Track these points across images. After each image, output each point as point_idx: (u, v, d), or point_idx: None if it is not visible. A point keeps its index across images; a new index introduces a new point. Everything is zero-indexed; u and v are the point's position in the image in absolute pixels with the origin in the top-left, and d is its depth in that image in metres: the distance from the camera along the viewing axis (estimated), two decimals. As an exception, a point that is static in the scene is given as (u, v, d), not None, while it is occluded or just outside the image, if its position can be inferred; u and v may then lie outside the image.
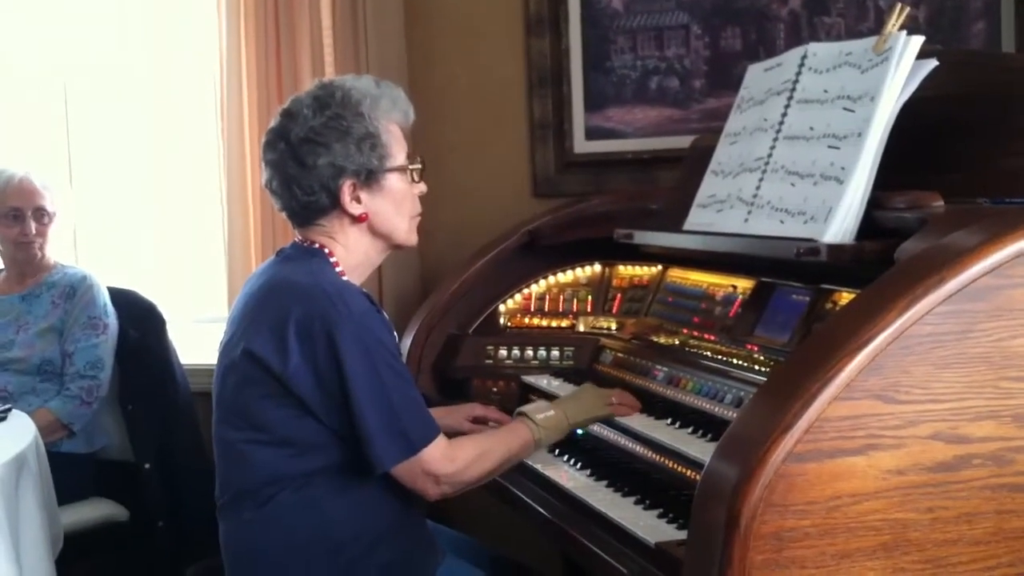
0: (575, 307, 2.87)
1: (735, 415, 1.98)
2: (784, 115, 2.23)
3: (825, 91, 2.14)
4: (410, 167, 2.12)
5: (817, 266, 1.99)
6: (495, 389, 2.77)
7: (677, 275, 2.66)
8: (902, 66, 1.97)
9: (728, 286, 2.42)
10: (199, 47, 3.74)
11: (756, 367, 2.17)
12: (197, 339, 3.74)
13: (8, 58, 4.04)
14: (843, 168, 1.99)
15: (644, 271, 2.80)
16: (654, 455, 2.16)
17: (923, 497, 1.47)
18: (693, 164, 2.62)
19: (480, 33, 3.43)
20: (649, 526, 1.86)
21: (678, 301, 2.60)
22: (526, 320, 2.90)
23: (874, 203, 1.94)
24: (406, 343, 2.82)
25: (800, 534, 1.42)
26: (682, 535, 1.75)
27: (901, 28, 2.01)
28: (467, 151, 3.45)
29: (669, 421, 2.19)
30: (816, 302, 2.10)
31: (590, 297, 2.87)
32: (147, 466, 3.28)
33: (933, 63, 1.99)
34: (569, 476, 2.20)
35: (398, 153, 2.09)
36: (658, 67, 3.27)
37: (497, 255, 2.88)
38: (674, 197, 2.66)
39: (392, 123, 2.09)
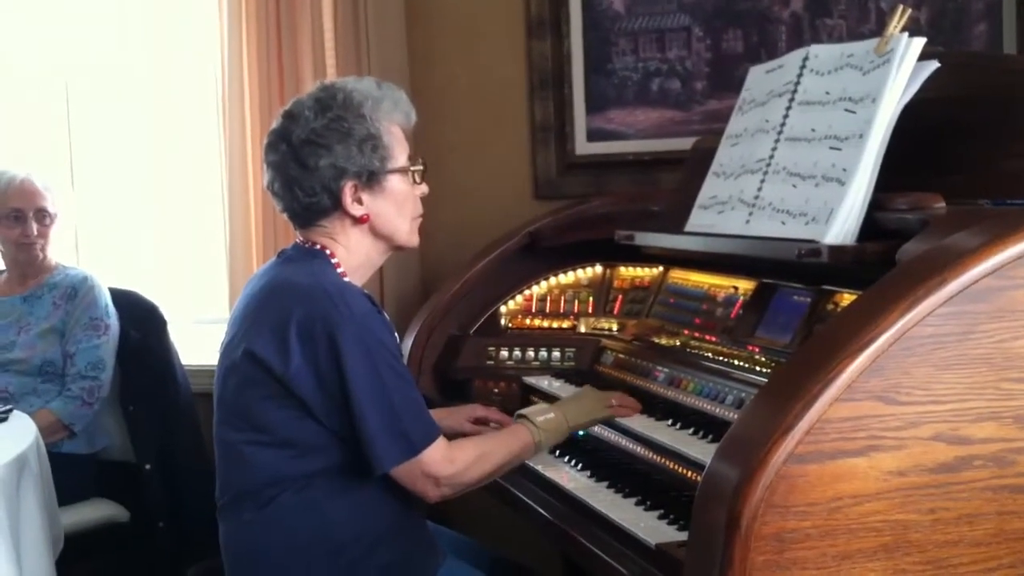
0: (576, 308, 2.87)
1: (736, 416, 1.97)
2: (786, 116, 2.23)
3: (827, 93, 2.14)
4: (411, 168, 2.12)
5: (818, 267, 2.00)
6: (496, 390, 2.77)
7: (678, 276, 2.66)
8: (904, 68, 1.97)
9: (729, 287, 2.42)
10: (200, 47, 3.75)
11: (757, 368, 2.17)
12: (198, 340, 3.74)
13: (9, 58, 4.04)
14: (845, 169, 1.99)
15: (645, 272, 2.80)
16: (655, 456, 2.16)
17: (924, 498, 1.47)
18: (694, 166, 2.62)
19: (481, 34, 3.44)
20: (650, 527, 1.86)
21: (679, 302, 2.60)
22: (527, 321, 2.90)
23: (875, 204, 1.94)
24: (407, 344, 2.82)
25: (801, 535, 1.42)
26: (683, 536, 1.75)
27: (903, 30, 2.01)
28: (468, 152, 3.45)
29: (670, 422, 2.19)
30: (817, 303, 2.10)
31: (591, 298, 2.87)
32: (148, 467, 3.28)
33: (935, 65, 1.99)
34: (570, 477, 2.20)
35: (399, 154, 2.09)
36: (659, 69, 3.28)
37: (498, 256, 2.88)
38: (675, 199, 2.66)
39: (394, 125, 2.10)
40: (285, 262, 2.09)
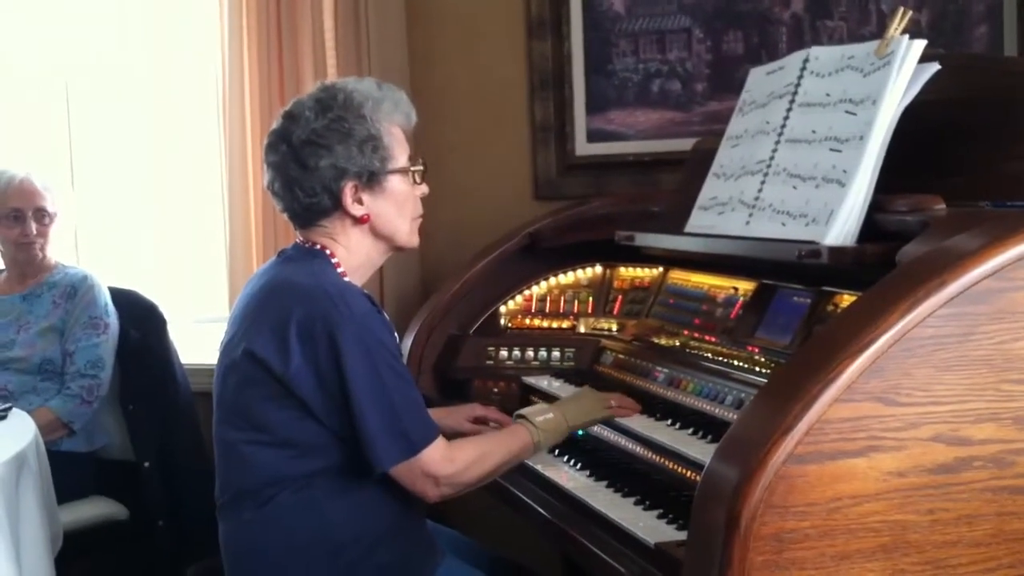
0: (576, 308, 2.87)
1: (736, 416, 1.98)
2: (786, 118, 2.23)
3: (827, 94, 2.14)
4: (412, 169, 2.12)
5: (818, 268, 2.00)
6: (496, 390, 2.77)
7: (678, 277, 2.67)
8: (904, 70, 1.98)
9: (729, 288, 2.43)
10: (200, 47, 3.75)
11: (757, 369, 2.17)
12: (198, 339, 3.75)
13: (9, 58, 4.03)
14: (845, 171, 1.99)
15: (645, 273, 2.80)
16: (654, 456, 2.16)
17: (923, 499, 1.47)
18: (695, 167, 2.63)
19: (481, 35, 3.44)
20: (649, 527, 1.86)
21: (679, 303, 2.60)
22: (527, 321, 2.90)
23: (876, 206, 1.95)
24: (407, 344, 2.82)
25: (800, 535, 1.42)
26: (682, 536, 1.75)
27: (903, 32, 2.01)
28: (468, 153, 3.46)
29: (669, 422, 2.19)
30: (817, 304, 2.10)
31: (591, 298, 2.87)
32: (147, 465, 3.28)
33: (935, 67, 2.00)
34: (569, 477, 2.20)
35: (400, 155, 2.09)
36: (660, 70, 3.28)
37: (498, 256, 2.88)
38: (675, 199, 2.66)
39: (394, 125, 2.10)
40: (285, 262, 2.09)
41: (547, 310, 2.89)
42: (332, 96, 2.06)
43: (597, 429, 2.32)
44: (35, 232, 3.28)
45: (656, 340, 2.57)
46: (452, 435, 2.15)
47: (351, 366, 1.90)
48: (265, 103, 3.40)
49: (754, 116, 2.36)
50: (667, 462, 2.11)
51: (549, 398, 2.50)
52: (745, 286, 2.37)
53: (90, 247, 4.04)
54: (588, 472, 2.20)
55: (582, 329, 2.85)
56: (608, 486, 2.10)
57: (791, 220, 2.08)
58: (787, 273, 2.21)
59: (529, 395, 2.71)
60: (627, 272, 2.84)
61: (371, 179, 2.05)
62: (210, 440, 2.13)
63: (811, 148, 2.12)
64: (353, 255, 2.09)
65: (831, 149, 2.05)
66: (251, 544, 2.03)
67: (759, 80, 2.42)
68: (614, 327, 2.78)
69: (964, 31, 3.00)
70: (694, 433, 2.11)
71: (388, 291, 3.37)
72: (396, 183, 2.09)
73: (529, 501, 2.20)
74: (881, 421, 1.45)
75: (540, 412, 2.18)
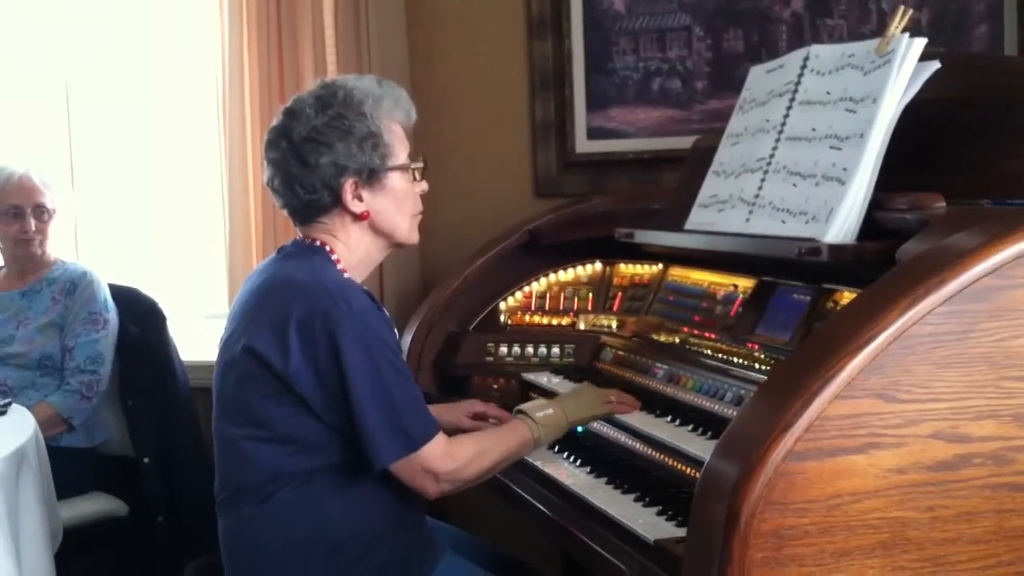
0: (576, 305, 2.87)
1: (735, 413, 1.98)
2: (786, 116, 2.23)
3: (827, 93, 2.14)
4: (412, 166, 2.12)
5: (818, 266, 2.00)
6: (495, 386, 2.77)
7: (678, 274, 2.67)
8: (904, 68, 1.98)
9: (729, 285, 2.43)
10: (200, 46, 3.74)
11: (757, 366, 2.17)
12: (198, 335, 3.75)
13: (9, 58, 4.03)
14: (845, 169, 1.99)
15: (645, 270, 2.80)
16: (654, 453, 2.16)
17: (923, 496, 1.47)
18: (695, 164, 2.63)
19: (481, 34, 3.44)
20: (649, 523, 1.86)
21: (679, 300, 2.60)
22: (527, 318, 2.90)
23: (876, 204, 1.95)
24: (407, 340, 2.82)
25: (800, 532, 1.42)
26: (682, 532, 1.75)
27: (904, 30, 2.01)
28: (468, 151, 3.46)
29: (669, 419, 2.20)
30: (817, 301, 2.10)
31: (591, 295, 2.87)
32: (146, 461, 3.28)
33: (935, 65, 2.00)
34: (569, 473, 2.21)
35: (400, 152, 2.10)
36: (660, 68, 3.28)
37: (498, 253, 2.88)
38: (675, 197, 2.67)
39: (394, 122, 2.10)
40: (285, 258, 2.09)
41: (547, 307, 2.90)
42: (332, 93, 2.06)
43: (597, 425, 2.33)
44: (34, 228, 3.29)
45: (656, 337, 2.58)
46: (452, 431, 2.14)
47: (351, 362, 1.90)
48: (265, 102, 3.40)
49: (754, 114, 2.36)
50: (667, 459, 2.12)
51: (549, 394, 2.50)
52: (745, 283, 2.37)
53: (90, 245, 4.04)
54: (588, 469, 2.20)
55: (582, 326, 2.85)
56: (608, 483, 2.11)
57: (791, 217, 2.09)
58: (787, 270, 2.22)
59: (529, 391, 2.71)
60: (627, 269, 2.84)
61: (371, 176, 2.05)
62: (209, 436, 2.13)
63: (811, 146, 2.12)
64: (353, 252, 2.10)
65: (831, 147, 2.06)
66: (250, 540, 2.03)
67: (759, 78, 2.42)
68: (614, 324, 2.79)
69: (964, 30, 3.01)
70: (694, 430, 2.11)
71: (388, 288, 3.37)
72: (396, 180, 2.09)
73: (529, 498, 2.20)
74: (881, 418, 1.45)
75: (540, 408, 2.18)
